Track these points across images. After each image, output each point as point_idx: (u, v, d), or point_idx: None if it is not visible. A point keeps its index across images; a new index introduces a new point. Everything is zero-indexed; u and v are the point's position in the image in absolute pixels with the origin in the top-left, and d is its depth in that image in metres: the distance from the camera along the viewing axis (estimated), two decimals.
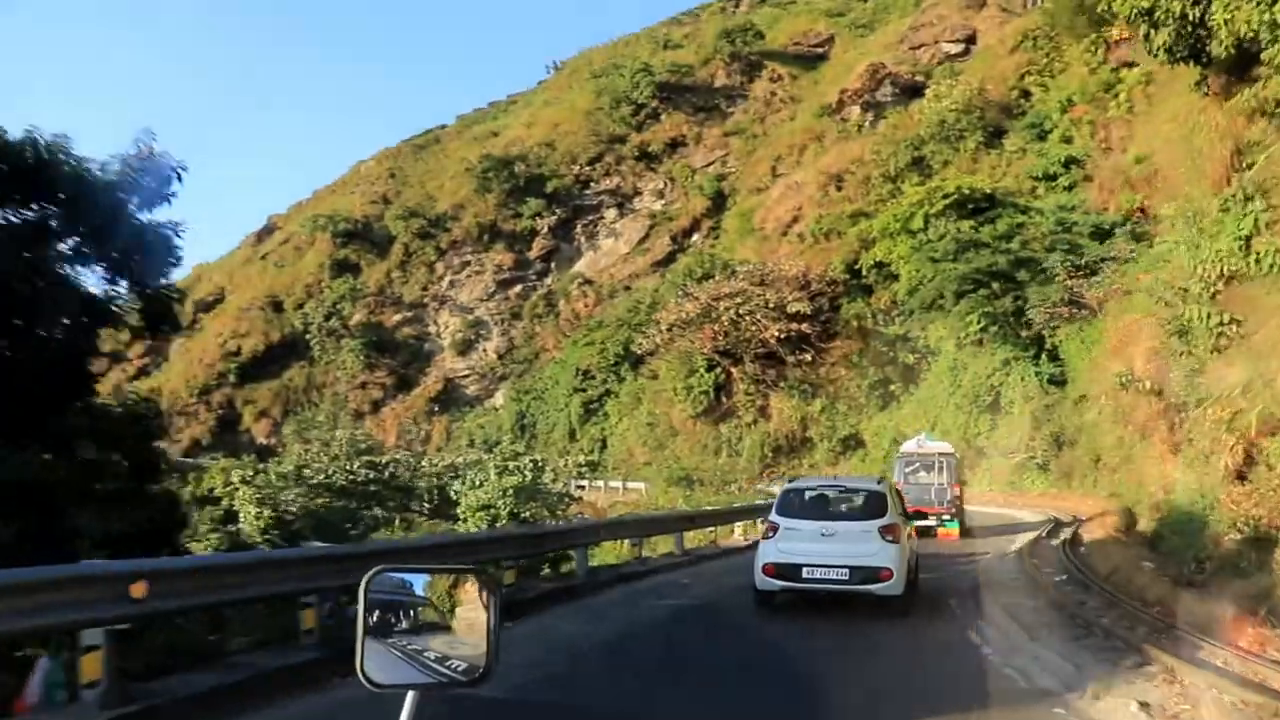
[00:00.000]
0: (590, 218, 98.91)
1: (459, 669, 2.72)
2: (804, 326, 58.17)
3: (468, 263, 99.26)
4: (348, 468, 50.32)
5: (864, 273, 59.95)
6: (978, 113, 63.73)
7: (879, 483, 15.83)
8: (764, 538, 14.82)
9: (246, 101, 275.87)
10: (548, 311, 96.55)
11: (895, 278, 58.72)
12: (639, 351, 68.65)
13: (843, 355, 59.66)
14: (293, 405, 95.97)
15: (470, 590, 2.83)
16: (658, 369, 65.91)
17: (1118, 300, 48.08)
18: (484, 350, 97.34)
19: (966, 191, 55.97)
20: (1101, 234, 52.17)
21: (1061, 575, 16.85)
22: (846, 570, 13.59)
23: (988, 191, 56.19)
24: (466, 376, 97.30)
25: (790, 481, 16.84)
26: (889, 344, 58.67)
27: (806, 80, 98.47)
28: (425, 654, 2.74)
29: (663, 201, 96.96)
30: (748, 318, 57.95)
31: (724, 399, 62.62)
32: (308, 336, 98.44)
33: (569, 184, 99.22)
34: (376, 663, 2.65)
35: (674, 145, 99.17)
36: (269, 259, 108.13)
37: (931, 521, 28.02)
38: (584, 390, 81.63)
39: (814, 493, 15.82)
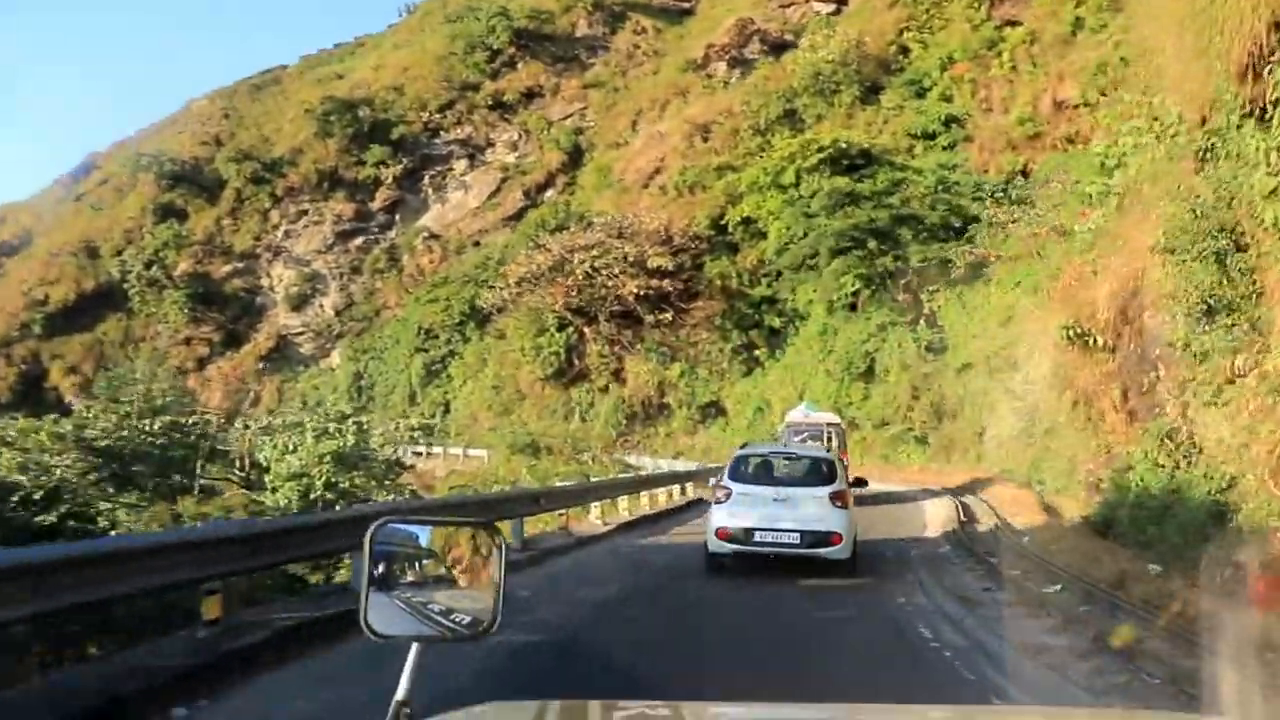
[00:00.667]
0: (439, 168, 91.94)
1: (463, 622, 2.64)
2: (664, 284, 53.17)
3: (305, 211, 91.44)
4: (142, 427, 43.16)
5: (730, 229, 55.27)
6: (854, 66, 59.45)
7: (827, 451, 17.19)
8: (716, 502, 14.96)
9: (69, 21, 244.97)
10: (390, 266, 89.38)
11: (763, 236, 54.27)
12: (486, 308, 62.81)
13: (705, 317, 54.90)
14: (107, 361, 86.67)
15: (476, 543, 2.75)
16: (505, 328, 60.14)
17: (1008, 265, 44.46)
18: (320, 306, 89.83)
19: (843, 145, 51.67)
20: (983, 195, 48.57)
21: (1055, 585, 11.90)
22: (798, 534, 13.93)
23: (865, 147, 51.96)
24: (301, 334, 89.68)
25: (742, 448, 16.99)
26: (755, 306, 54.18)
27: (671, 34, 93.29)
28: (429, 606, 2.65)
29: (516, 154, 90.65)
30: (604, 272, 52.68)
31: (576, 361, 57.27)
32: (126, 286, 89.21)
33: (417, 132, 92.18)
34: (380, 614, 2.54)
35: (530, 96, 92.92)
36: (85, 200, 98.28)
37: None
38: (426, 350, 75.45)
39: (767, 459, 16.30)
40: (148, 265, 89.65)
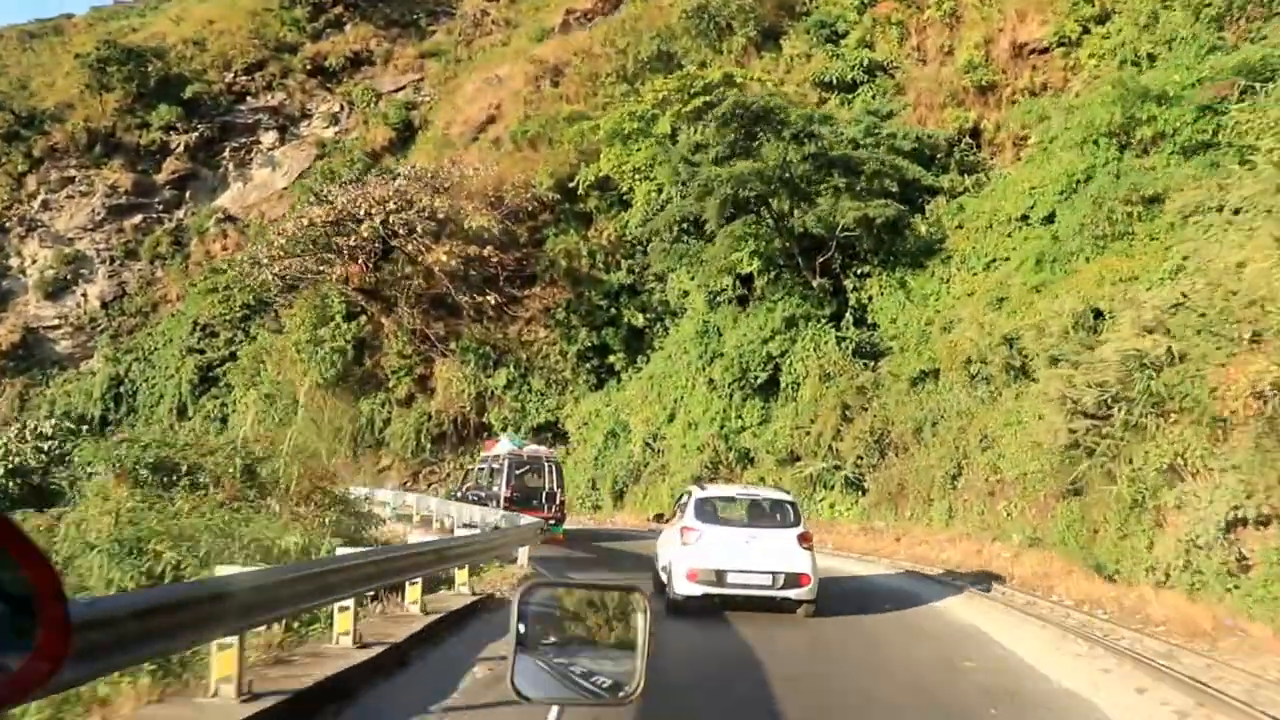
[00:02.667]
0: (242, 140, 74.34)
1: (604, 685, 2.58)
2: (489, 256, 37.76)
3: (70, 179, 72.93)
4: None
5: (581, 193, 40.19)
6: (748, 6, 45.00)
7: (788, 492, 17.70)
8: (684, 544, 13.92)
9: None
10: (175, 252, 71.32)
11: (625, 205, 39.30)
12: (268, 298, 46.38)
13: (544, 309, 39.62)
14: None
15: (620, 606, 2.73)
16: (285, 318, 43.77)
17: (968, 236, 30.43)
18: (83, 295, 71.16)
19: (739, 82, 37.12)
20: (933, 150, 34.71)
21: None
22: (769, 576, 13.46)
23: (767, 96, 37.27)
24: (56, 327, 70.89)
25: (702, 490, 15.62)
26: (610, 297, 39.12)
27: (527, 3, 78.16)
28: (572, 669, 2.61)
29: (336, 129, 73.70)
30: (404, 235, 36.90)
31: (367, 361, 41.26)
32: None
33: (218, 94, 74.91)
34: (526, 675, 2.52)
35: (357, 62, 76.25)
36: None
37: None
38: (202, 351, 58.55)
39: (732, 500, 15.63)
40: None
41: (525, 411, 38.40)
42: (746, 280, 34.39)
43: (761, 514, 14.98)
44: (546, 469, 27.95)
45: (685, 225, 34.70)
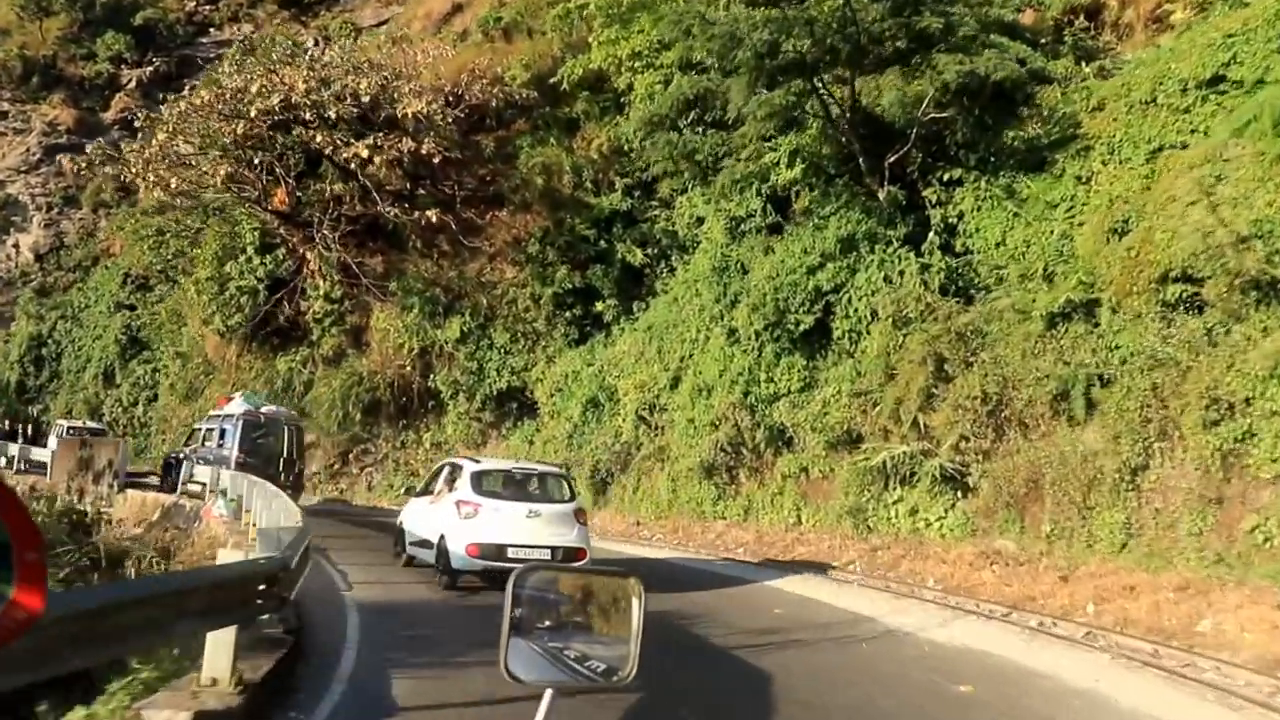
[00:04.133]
0: (202, 76, 65.00)
1: (598, 670, 2.58)
2: (427, 149, 27.73)
3: (3, 114, 63.45)
4: None
5: (565, 91, 30.21)
6: None
7: (560, 466, 17.66)
8: (463, 518, 13.61)
9: None
10: (122, 199, 61.77)
11: (620, 109, 29.38)
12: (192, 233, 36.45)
13: (512, 240, 29.68)
14: None
15: (615, 593, 2.71)
16: (193, 253, 33.89)
17: (1113, 119, 20.33)
18: (15, 246, 61.65)
19: None
20: (1028, 40, 24.94)
21: None
22: (549, 551, 13.40)
23: None
24: None
25: (477, 463, 15.15)
26: (599, 226, 29.16)
27: None
28: (566, 653, 2.61)
29: None
30: (319, 128, 27.00)
31: (285, 306, 31.39)
32: None
33: (174, 24, 65.64)
34: (519, 659, 2.49)
35: None
36: None
37: None
38: (132, 307, 49.07)
39: (508, 474, 15.14)
40: None
41: (483, 373, 28.52)
42: (780, 205, 24.55)
43: (537, 489, 14.88)
44: (286, 433, 25.54)
45: (699, 113, 24.82)
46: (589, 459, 24.91)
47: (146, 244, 44.25)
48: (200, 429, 27.16)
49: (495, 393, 28.38)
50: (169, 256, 43.31)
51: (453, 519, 13.82)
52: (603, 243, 28.87)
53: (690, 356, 24.05)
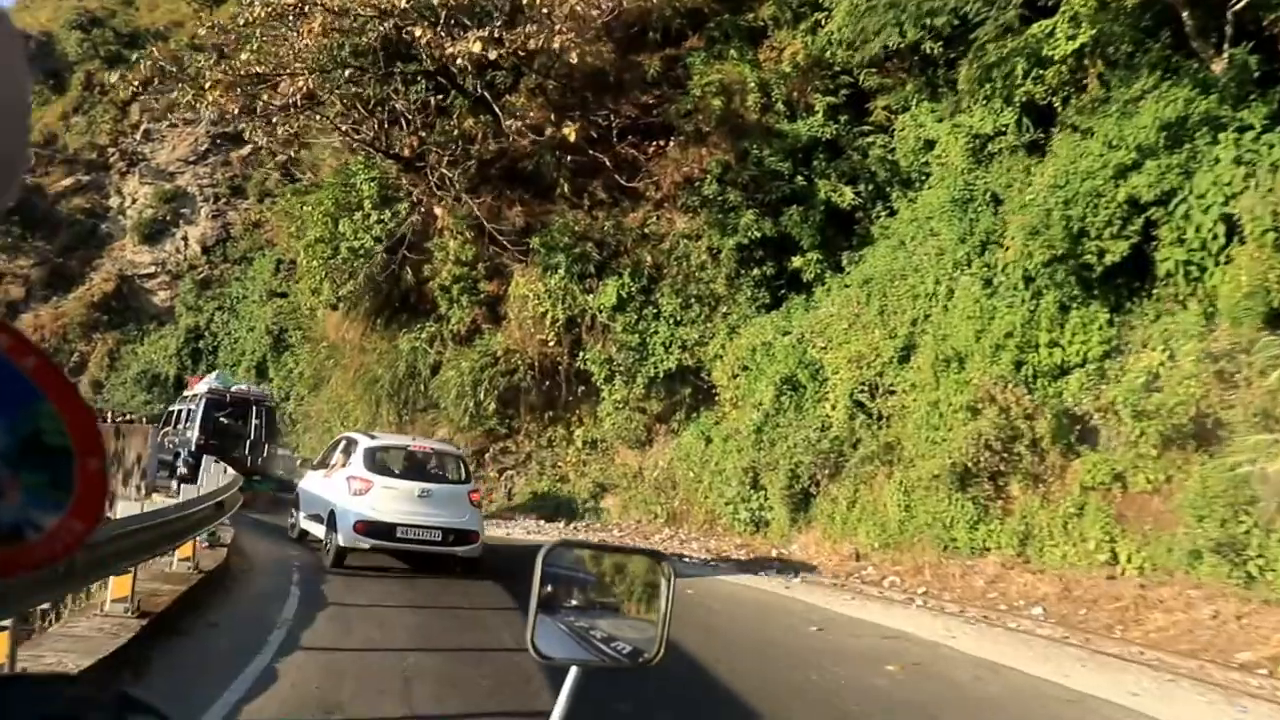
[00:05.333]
0: None
1: (624, 651, 2.48)
2: (573, 56, 21.10)
3: (175, 105, 60.68)
4: None
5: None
6: None
7: (456, 445, 17.94)
8: (354, 494, 13.30)
9: None
10: (288, 186, 58.31)
11: (820, 7, 22.19)
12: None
13: (682, 181, 22.86)
14: None
15: (645, 573, 2.62)
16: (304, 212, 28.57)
17: None
18: (184, 239, 58.88)
19: None
20: None
21: None
22: (440, 532, 13.17)
23: None
24: (152, 275, 58.81)
25: (372, 439, 14.86)
26: (795, 159, 22.04)
27: None
28: (593, 632, 2.52)
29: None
30: (421, 24, 20.74)
31: (408, 274, 25.46)
32: None
33: None
34: (545, 636, 2.38)
35: None
36: None
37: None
38: (284, 295, 44.71)
39: (403, 451, 14.73)
40: None
41: (646, 349, 21.84)
42: (1042, 116, 17.13)
43: (432, 468, 14.49)
44: (254, 413, 24.19)
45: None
46: (784, 461, 17.90)
47: (293, 225, 39.32)
48: (174, 411, 25.69)
49: (662, 374, 21.65)
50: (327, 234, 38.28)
51: (343, 494, 13.51)
52: (800, 179, 21.79)
53: (927, 317, 16.75)
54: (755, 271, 21.63)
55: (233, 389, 24.98)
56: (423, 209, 24.71)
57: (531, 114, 22.89)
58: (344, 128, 24.02)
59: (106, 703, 1.02)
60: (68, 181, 61.05)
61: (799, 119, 22.47)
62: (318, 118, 24.42)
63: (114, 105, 61.38)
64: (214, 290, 53.60)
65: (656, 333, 21.87)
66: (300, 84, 20.91)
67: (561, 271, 22.35)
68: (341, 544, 13.20)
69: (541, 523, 21.49)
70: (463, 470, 14.49)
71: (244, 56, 21.31)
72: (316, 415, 34.05)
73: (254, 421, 24.01)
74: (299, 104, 22.95)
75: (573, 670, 2.37)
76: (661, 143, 23.35)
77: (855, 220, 21.56)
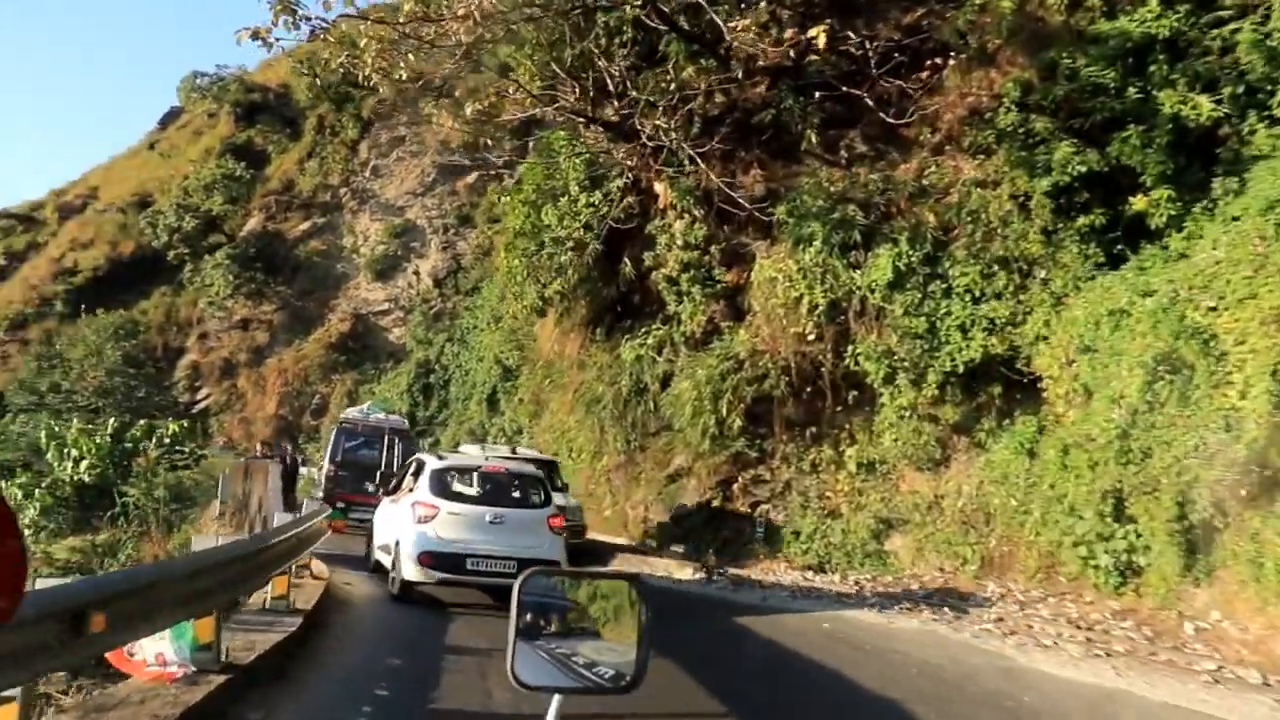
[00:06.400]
0: None
1: (605, 675, 2.50)
2: None
3: (401, 139, 59.52)
4: None
5: None
6: None
7: (537, 466, 15.30)
8: (417, 521, 12.01)
9: None
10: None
11: None
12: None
13: (967, 113, 17.20)
14: (138, 351, 58.16)
15: (620, 597, 2.63)
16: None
17: None
18: (415, 273, 57.19)
19: None
20: None
21: None
22: (514, 563, 11.37)
23: None
24: (386, 312, 57.45)
25: (440, 459, 13.54)
26: (1120, 64, 16.01)
27: None
28: (573, 659, 2.53)
29: None
30: None
31: (625, 266, 20.75)
32: (170, 251, 60.14)
33: None
34: (526, 664, 2.40)
35: None
36: (158, 148, 70.71)
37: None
38: (510, 327, 41.35)
39: (474, 473, 13.22)
40: (205, 224, 59.91)
41: (936, 335, 16.21)
42: None
43: (506, 491, 12.94)
44: (386, 443, 22.55)
45: None
46: (1168, 480, 11.95)
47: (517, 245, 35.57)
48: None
49: (961, 368, 15.94)
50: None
51: (408, 522, 12.36)
52: (1132, 92, 15.73)
53: None
54: (1080, 221, 15.67)
55: (371, 418, 23.72)
56: (639, 186, 20.00)
57: (765, 49, 17.77)
58: (537, 93, 19.60)
59: None
60: (304, 225, 60.70)
61: (1120, 15, 16.39)
62: (510, 89, 20.06)
63: (344, 145, 60.70)
64: (444, 323, 51.23)
65: (949, 313, 16.21)
66: (467, 23, 16.39)
67: (818, 244, 17.05)
68: (406, 577, 12.06)
69: (809, 573, 16.21)
70: (540, 493, 12.91)
71: (407, 7, 17.06)
72: (542, 449, 30.00)
73: (386, 453, 22.53)
74: (477, 57, 18.63)
75: (555, 698, 2.34)
76: (935, 69, 17.80)
77: (1215, 138, 15.32)
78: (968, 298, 16.20)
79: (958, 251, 16.36)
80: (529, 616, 2.47)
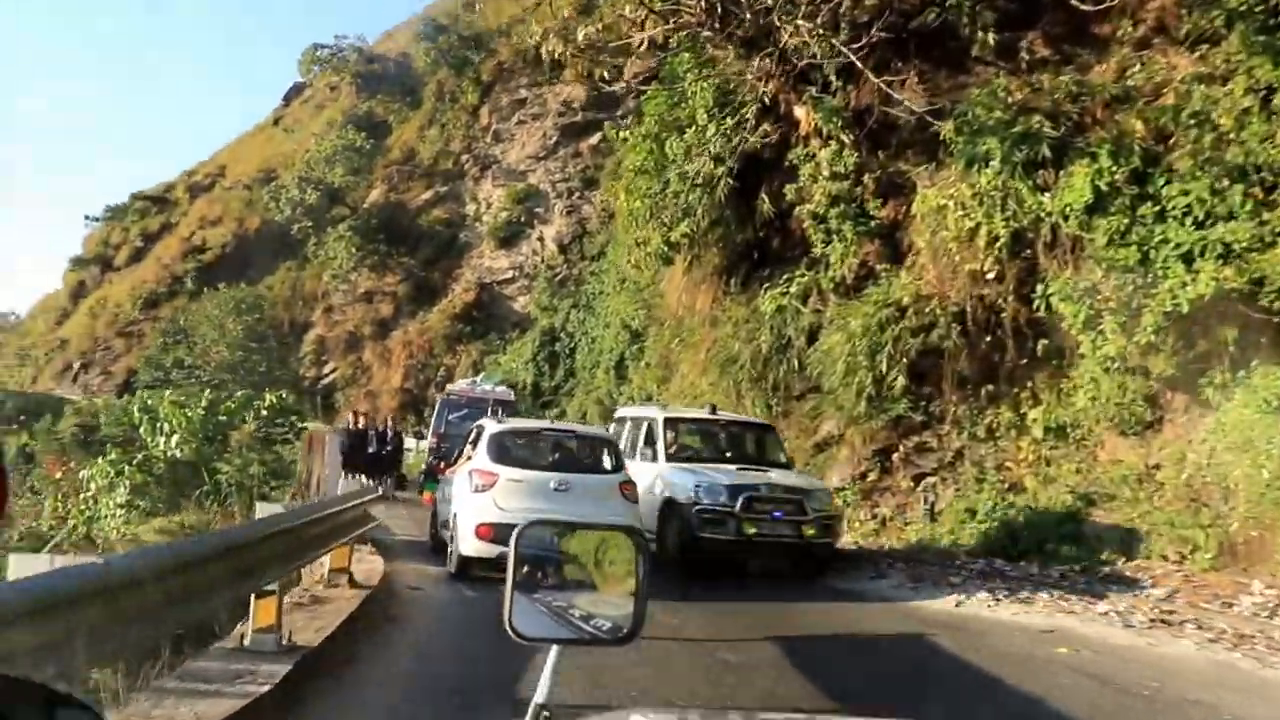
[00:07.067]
0: None
1: (603, 627, 2.47)
2: None
3: (521, 101, 57.51)
4: None
5: None
6: None
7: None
8: (475, 490, 10.94)
9: None
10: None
11: None
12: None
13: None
14: (265, 328, 57.91)
15: (617, 549, 2.58)
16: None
17: None
18: (539, 239, 55.29)
19: None
20: None
21: None
22: None
23: None
24: (510, 280, 55.70)
25: (499, 423, 12.53)
26: None
27: None
28: (570, 610, 2.50)
29: None
30: None
31: (763, 201, 18.00)
32: (294, 225, 59.63)
33: None
34: (523, 616, 2.37)
35: None
36: (282, 124, 70.51)
37: None
38: (636, 285, 39.07)
39: (538, 435, 12.24)
40: (330, 196, 59.28)
41: (1150, 266, 13.09)
42: None
43: (573, 456, 12.00)
44: (491, 414, 18.73)
45: None
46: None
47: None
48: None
49: (1185, 306, 12.82)
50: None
51: (465, 492, 11.29)
52: None
53: None
54: None
55: (477, 390, 23.07)
56: (777, 110, 17.27)
57: None
58: (658, 9, 17.04)
59: (33, 699, 0.94)
60: (426, 194, 59.47)
61: None
62: (627, 6, 17.55)
63: (464, 111, 59.14)
64: (569, 289, 49.22)
65: (1167, 240, 13.08)
66: None
67: (996, 164, 14.11)
68: (464, 552, 11.04)
69: (998, 560, 13.31)
70: (610, 457, 11.79)
71: None
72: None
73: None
74: None
75: (553, 649, 2.35)
76: None
77: None
78: (1189, 221, 13.05)
79: (1178, 162, 13.20)
80: (525, 568, 2.40)
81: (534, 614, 2.39)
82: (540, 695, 2.20)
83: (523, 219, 55.24)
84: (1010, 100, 14.67)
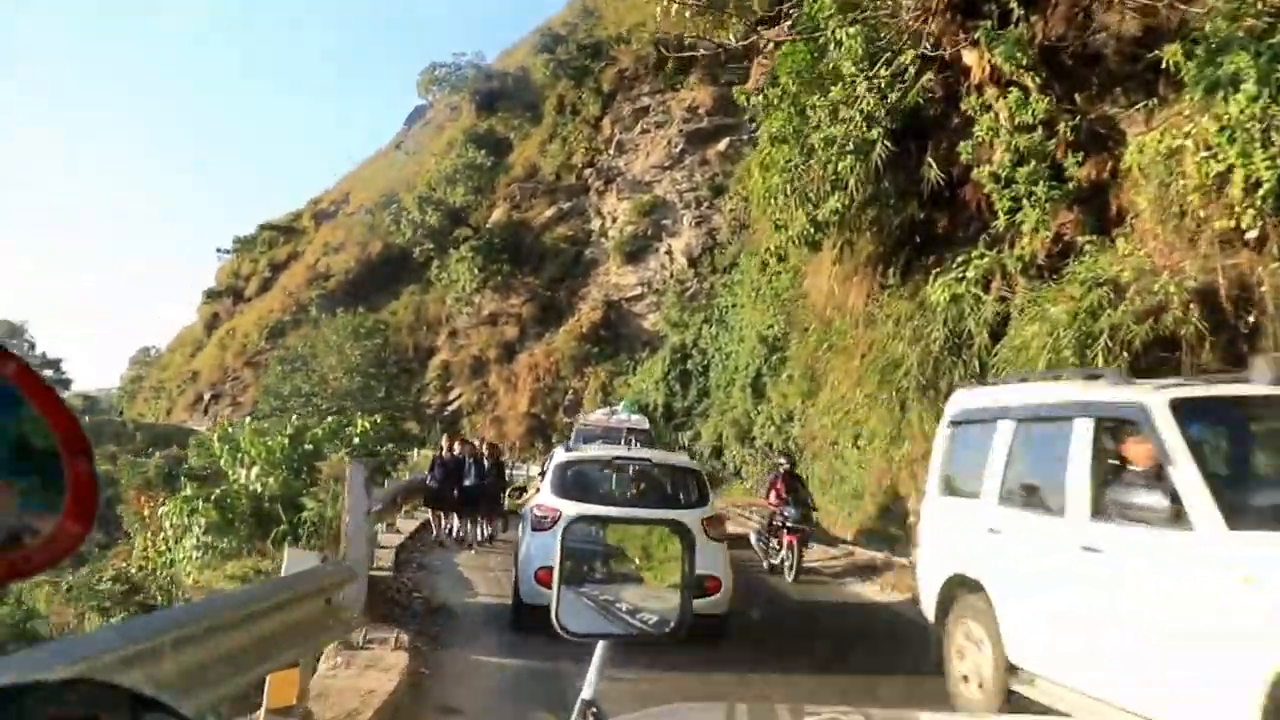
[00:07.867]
0: None
1: (649, 621, 2.43)
2: None
3: (644, 109, 55.09)
4: None
5: None
6: None
7: (689, 458, 13.75)
8: (536, 528, 9.72)
9: None
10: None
11: None
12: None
13: None
14: (391, 353, 56.63)
15: (665, 543, 2.53)
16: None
17: None
18: (667, 252, 52.69)
19: None
20: None
21: None
22: None
23: None
24: (639, 298, 53.21)
25: (566, 450, 11.58)
26: None
27: None
28: (617, 605, 2.47)
29: None
30: None
31: (934, 171, 14.72)
32: (416, 248, 58.37)
33: None
34: (570, 612, 2.36)
35: None
36: (404, 148, 69.76)
37: None
38: (776, 294, 35.96)
39: (608, 466, 10.97)
40: (452, 218, 57.93)
41: None
42: None
43: (650, 487, 10.69)
44: (624, 442, 18.59)
45: None
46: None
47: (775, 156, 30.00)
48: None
49: None
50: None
51: (526, 531, 10.24)
52: None
53: None
54: None
55: (613, 420, 22.15)
56: (942, 59, 14.09)
57: None
58: None
59: (120, 702, 0.93)
60: (550, 211, 57.59)
61: None
62: None
63: (585, 124, 57.10)
64: (700, 303, 46.37)
65: None
66: None
67: (1250, 85, 10.67)
68: (523, 599, 9.58)
69: None
70: (694, 489, 10.30)
71: None
72: (821, 438, 24.36)
73: None
74: None
75: (600, 644, 2.30)
76: None
77: None
78: None
79: None
80: (570, 563, 2.40)
81: (581, 609, 2.33)
82: (587, 692, 2.12)
83: (649, 232, 52.77)
84: (1261, 5, 11.21)
